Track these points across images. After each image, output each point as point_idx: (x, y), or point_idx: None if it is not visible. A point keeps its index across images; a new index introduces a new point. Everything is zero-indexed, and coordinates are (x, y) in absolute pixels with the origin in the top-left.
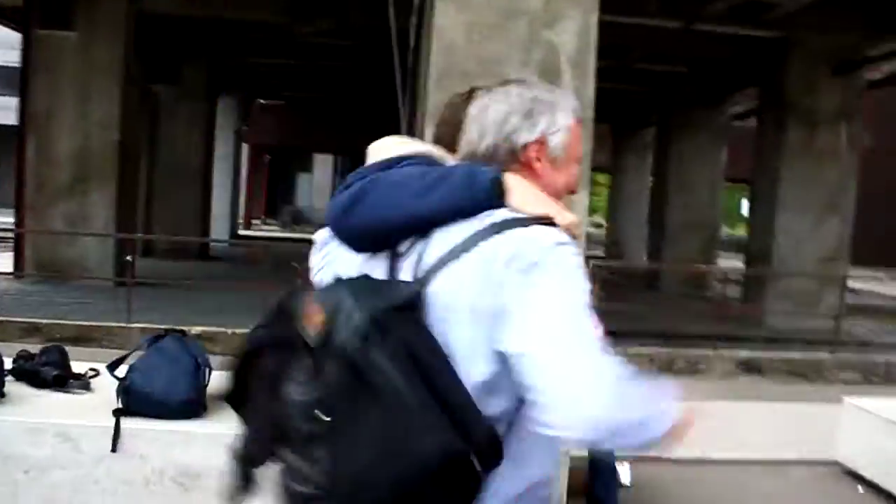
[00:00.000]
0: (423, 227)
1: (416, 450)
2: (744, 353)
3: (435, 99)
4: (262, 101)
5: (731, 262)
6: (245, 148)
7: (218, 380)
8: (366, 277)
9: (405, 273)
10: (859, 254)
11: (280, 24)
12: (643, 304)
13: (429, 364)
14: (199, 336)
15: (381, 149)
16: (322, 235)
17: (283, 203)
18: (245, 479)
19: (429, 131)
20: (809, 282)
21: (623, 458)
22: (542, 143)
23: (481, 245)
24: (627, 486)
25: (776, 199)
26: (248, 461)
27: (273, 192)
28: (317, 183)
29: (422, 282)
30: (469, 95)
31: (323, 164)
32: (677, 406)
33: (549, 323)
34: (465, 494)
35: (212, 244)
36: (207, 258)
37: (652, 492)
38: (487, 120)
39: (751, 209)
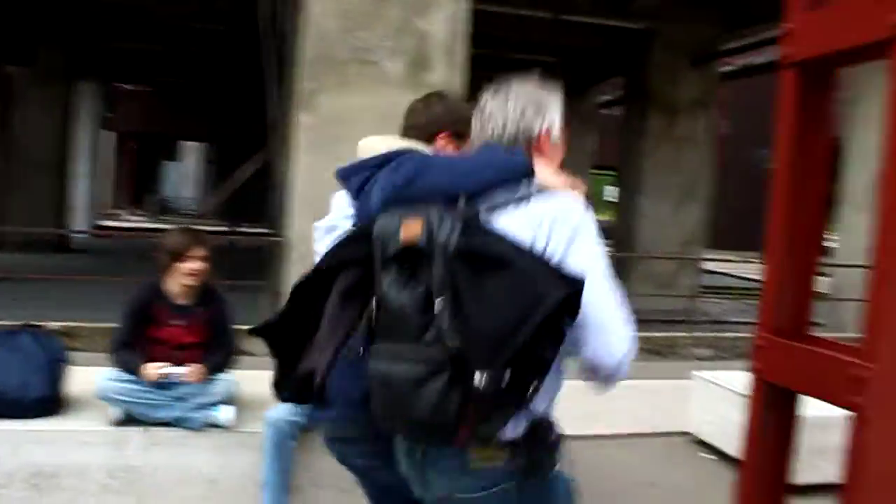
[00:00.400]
0: (476, 194)
1: (543, 299)
2: None
3: (307, 86)
4: (127, 86)
5: None
6: (110, 135)
7: (74, 377)
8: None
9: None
10: (717, 237)
11: (142, 6)
12: None
13: (518, 242)
14: (57, 331)
15: (370, 146)
16: (325, 223)
17: (149, 192)
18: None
19: (304, 118)
20: (668, 264)
21: None
22: (548, 132)
23: (528, 205)
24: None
25: (640, 185)
26: (306, 376)
27: (140, 180)
28: (184, 171)
29: (482, 213)
30: (428, 100)
31: (191, 153)
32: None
33: (593, 272)
34: (557, 341)
35: (73, 236)
36: (67, 250)
37: None
38: (508, 114)
39: (619, 195)
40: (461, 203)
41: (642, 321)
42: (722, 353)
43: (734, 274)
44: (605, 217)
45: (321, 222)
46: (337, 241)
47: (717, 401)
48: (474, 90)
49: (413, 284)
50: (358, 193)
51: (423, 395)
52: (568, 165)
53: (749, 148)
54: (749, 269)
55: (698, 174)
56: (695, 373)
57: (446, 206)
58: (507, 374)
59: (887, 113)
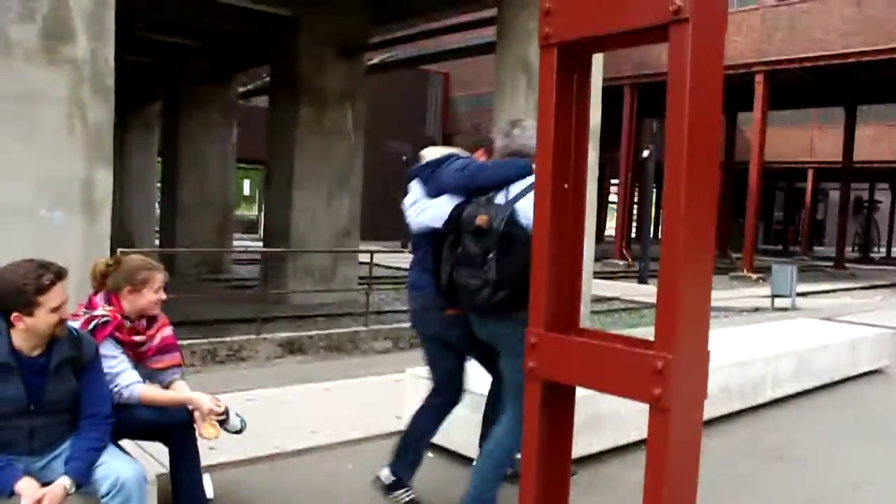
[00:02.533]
0: (507, 185)
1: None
2: (284, 334)
3: None
4: None
5: (242, 243)
6: None
7: None
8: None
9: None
10: (368, 228)
11: None
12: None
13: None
14: None
15: (431, 152)
16: (409, 201)
17: None
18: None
19: None
20: (326, 257)
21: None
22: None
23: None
24: (210, 499)
25: (291, 177)
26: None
27: None
28: None
29: (512, 202)
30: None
31: None
32: None
33: None
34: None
35: None
36: None
37: (237, 499)
38: (524, 139)
39: (266, 188)
40: (503, 198)
41: (308, 317)
42: (401, 344)
43: (380, 263)
44: (248, 211)
45: (407, 200)
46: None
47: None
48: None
49: (480, 244)
50: (426, 181)
51: (481, 294)
52: (211, 157)
53: (378, 140)
54: (391, 258)
55: (348, 165)
56: (408, 369)
57: (494, 197)
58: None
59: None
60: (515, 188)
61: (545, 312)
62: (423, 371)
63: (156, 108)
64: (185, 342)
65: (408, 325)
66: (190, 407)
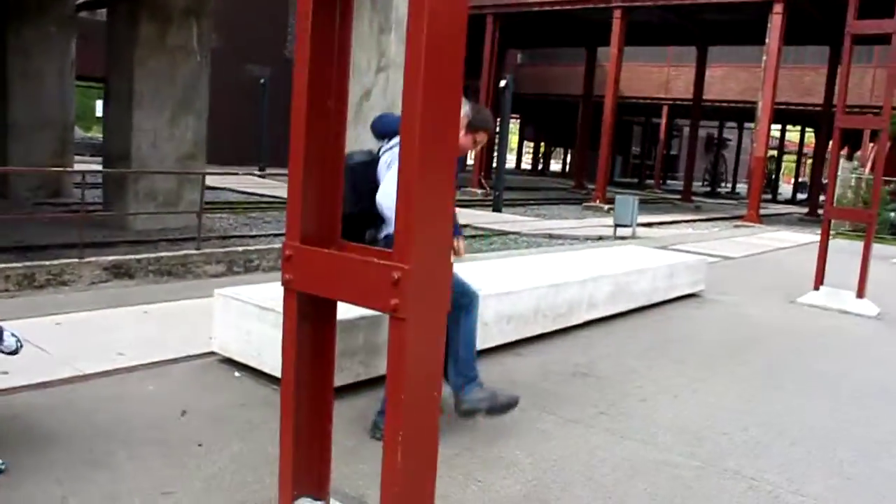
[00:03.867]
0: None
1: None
2: (110, 258)
3: None
4: None
5: (92, 167)
6: None
7: None
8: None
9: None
10: (211, 153)
11: None
12: None
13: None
14: None
15: None
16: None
17: None
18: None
19: None
20: (170, 180)
21: None
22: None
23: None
24: None
25: (132, 96)
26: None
27: None
28: None
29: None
30: None
31: None
32: None
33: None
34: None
35: None
36: None
37: (24, 423)
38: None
39: (105, 107)
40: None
41: (149, 242)
42: (235, 268)
43: (235, 189)
44: (99, 134)
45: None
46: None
47: (241, 317)
48: None
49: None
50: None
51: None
52: (47, 73)
53: (237, 63)
54: (247, 183)
55: (194, 86)
56: (217, 291)
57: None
58: None
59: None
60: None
61: (302, 226)
62: (235, 291)
63: None
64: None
65: (242, 247)
66: None
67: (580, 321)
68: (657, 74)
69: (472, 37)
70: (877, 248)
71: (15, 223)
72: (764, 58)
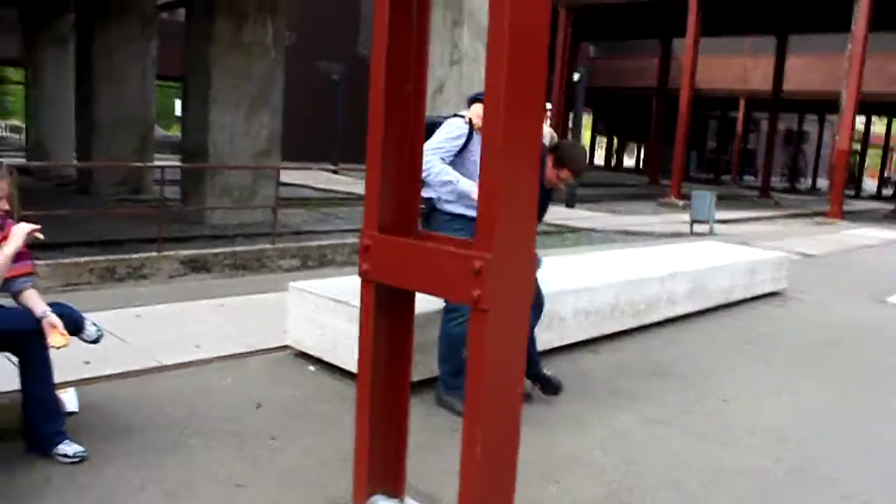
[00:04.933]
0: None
1: None
2: (188, 252)
3: None
4: None
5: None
6: None
7: None
8: None
9: None
10: (288, 149)
11: None
12: (76, 209)
13: None
14: None
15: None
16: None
17: None
18: None
19: None
20: (246, 176)
21: (66, 384)
22: None
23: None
24: (75, 412)
25: (208, 93)
26: None
27: None
28: None
29: None
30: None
31: None
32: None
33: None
34: None
35: None
36: None
37: (104, 411)
38: None
39: (183, 105)
40: None
41: (225, 237)
42: (310, 263)
43: (309, 185)
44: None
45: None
46: None
47: (315, 310)
48: None
49: None
50: None
51: None
52: (130, 73)
53: (311, 60)
54: (321, 179)
55: (269, 83)
56: (291, 284)
57: None
58: None
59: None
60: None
61: (379, 215)
62: (309, 285)
63: (69, 20)
64: (81, 259)
65: (316, 242)
66: (39, 317)
67: (659, 319)
68: (734, 66)
69: None
70: None
71: (98, 218)
72: (849, 45)
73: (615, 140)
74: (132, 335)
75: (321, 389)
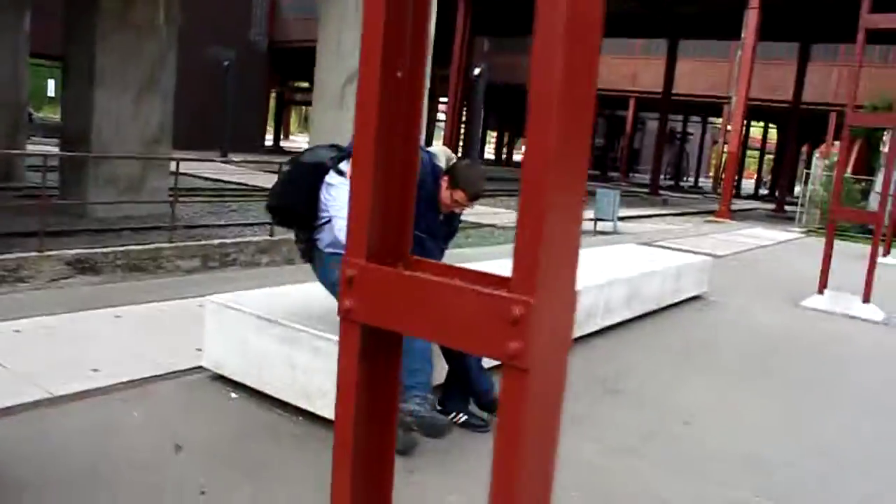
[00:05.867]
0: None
1: None
2: (74, 251)
3: None
4: None
5: (45, 149)
6: None
7: None
8: None
9: None
10: (185, 137)
11: None
12: None
13: None
14: None
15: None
16: None
17: None
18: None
19: None
20: (133, 165)
21: None
22: None
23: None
24: None
25: (93, 73)
26: None
27: None
28: None
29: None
30: None
31: None
32: None
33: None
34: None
35: None
36: None
37: None
38: None
39: (64, 87)
40: None
41: (110, 231)
42: (210, 263)
43: (197, 174)
44: (52, 114)
45: None
46: None
47: (238, 329)
48: None
49: None
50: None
51: None
52: None
53: (200, 45)
54: (210, 169)
55: (161, 65)
56: (211, 298)
57: None
58: None
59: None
60: None
61: (368, 237)
62: (230, 299)
63: None
64: None
65: (218, 240)
66: None
67: (596, 328)
68: (624, 66)
69: (441, 23)
70: (847, 246)
71: None
72: (738, 52)
73: (506, 135)
74: (12, 357)
75: (249, 423)
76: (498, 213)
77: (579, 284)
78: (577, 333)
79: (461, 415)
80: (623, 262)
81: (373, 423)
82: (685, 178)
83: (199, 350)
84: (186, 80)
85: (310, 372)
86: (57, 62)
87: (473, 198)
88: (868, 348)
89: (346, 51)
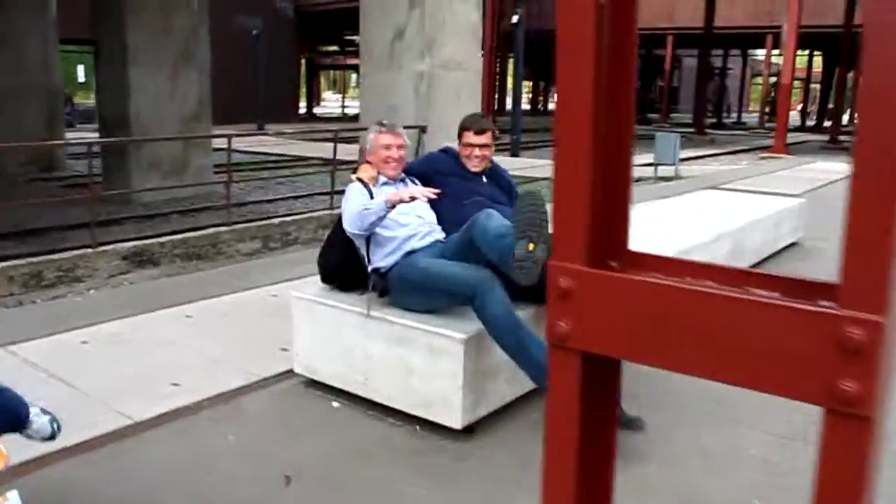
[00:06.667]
0: None
1: None
2: (129, 244)
3: None
4: None
5: (82, 135)
6: None
7: None
8: None
9: None
10: (219, 111)
11: None
12: None
13: None
14: None
15: None
16: None
17: None
18: None
19: None
20: (176, 145)
21: (8, 488)
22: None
23: None
24: None
25: (125, 52)
26: None
27: None
28: None
29: None
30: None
31: None
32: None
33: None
34: None
35: None
36: None
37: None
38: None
39: (97, 70)
40: None
41: (158, 215)
42: (271, 244)
43: (236, 148)
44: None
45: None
46: None
47: (335, 328)
48: None
49: None
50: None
51: None
52: (23, 35)
53: (226, 14)
54: (247, 141)
55: (194, 38)
56: (294, 293)
57: None
58: None
59: None
60: None
61: (586, 237)
62: (319, 293)
63: None
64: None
65: (278, 219)
66: None
67: None
68: (660, 3)
69: None
70: None
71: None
72: None
73: (541, 84)
74: (82, 376)
75: (361, 437)
76: (548, 165)
77: (685, 242)
78: None
79: None
80: (714, 213)
81: (591, 464)
82: (727, 115)
83: (285, 350)
84: (217, 53)
85: (429, 376)
86: (86, 46)
87: (479, 131)
88: None
89: (391, 4)
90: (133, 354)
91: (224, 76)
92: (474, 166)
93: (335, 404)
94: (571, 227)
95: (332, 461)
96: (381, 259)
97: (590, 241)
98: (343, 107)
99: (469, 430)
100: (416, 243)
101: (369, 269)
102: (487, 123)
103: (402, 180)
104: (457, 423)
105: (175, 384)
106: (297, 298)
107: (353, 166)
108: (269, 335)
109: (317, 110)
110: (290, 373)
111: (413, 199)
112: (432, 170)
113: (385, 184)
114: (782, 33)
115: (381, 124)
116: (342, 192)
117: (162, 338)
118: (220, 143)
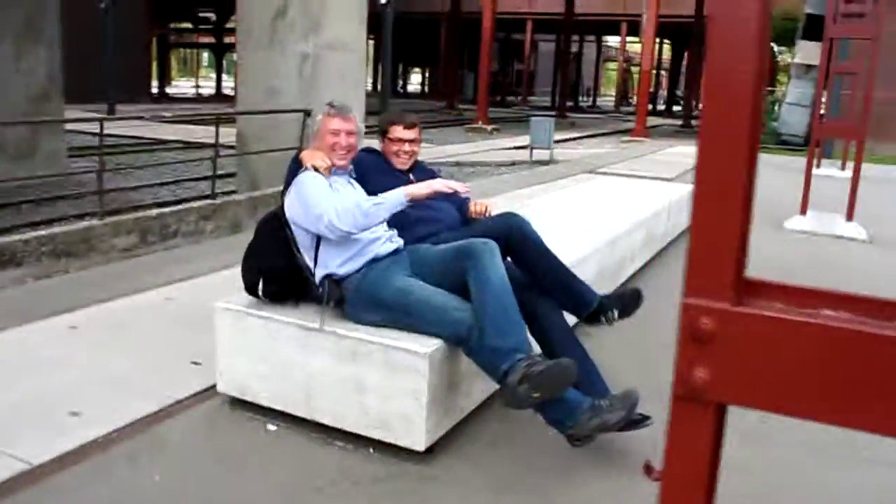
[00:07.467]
0: None
1: None
2: None
3: None
4: None
5: None
6: None
7: None
8: None
9: None
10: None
11: None
12: None
13: None
14: None
15: None
16: None
17: None
18: None
19: None
20: (20, 127)
21: None
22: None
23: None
24: None
25: None
26: None
27: None
28: None
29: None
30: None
31: None
32: None
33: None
34: None
35: None
36: None
37: None
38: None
39: None
40: None
41: (9, 205)
42: (150, 238)
43: (85, 130)
44: None
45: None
46: None
47: (268, 341)
48: None
49: None
50: None
51: None
52: None
53: None
54: (95, 123)
55: (40, 9)
56: (218, 304)
57: None
58: None
59: None
60: None
61: (735, 270)
62: (245, 304)
63: None
64: None
65: (157, 212)
66: None
67: (626, 278)
68: None
69: None
70: (771, 158)
71: None
72: None
73: (400, 66)
74: None
75: (313, 466)
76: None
77: (611, 234)
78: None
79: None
80: (619, 200)
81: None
82: (584, 98)
83: (197, 364)
84: (65, 27)
85: (386, 395)
86: None
87: (409, 125)
88: (864, 269)
89: None
90: (12, 379)
91: (73, 52)
92: (402, 163)
93: (271, 427)
94: (717, 258)
95: (282, 496)
96: (338, 265)
97: (737, 274)
98: (197, 87)
99: (429, 450)
100: (378, 248)
101: (319, 275)
102: (415, 117)
103: (351, 174)
104: (419, 444)
105: (74, 413)
106: (223, 310)
107: (231, 152)
108: (175, 348)
109: (170, 91)
110: (209, 391)
111: (455, 192)
112: (361, 172)
113: (333, 174)
114: (642, 21)
115: (332, 106)
116: (226, 177)
117: (45, 356)
118: (75, 124)
